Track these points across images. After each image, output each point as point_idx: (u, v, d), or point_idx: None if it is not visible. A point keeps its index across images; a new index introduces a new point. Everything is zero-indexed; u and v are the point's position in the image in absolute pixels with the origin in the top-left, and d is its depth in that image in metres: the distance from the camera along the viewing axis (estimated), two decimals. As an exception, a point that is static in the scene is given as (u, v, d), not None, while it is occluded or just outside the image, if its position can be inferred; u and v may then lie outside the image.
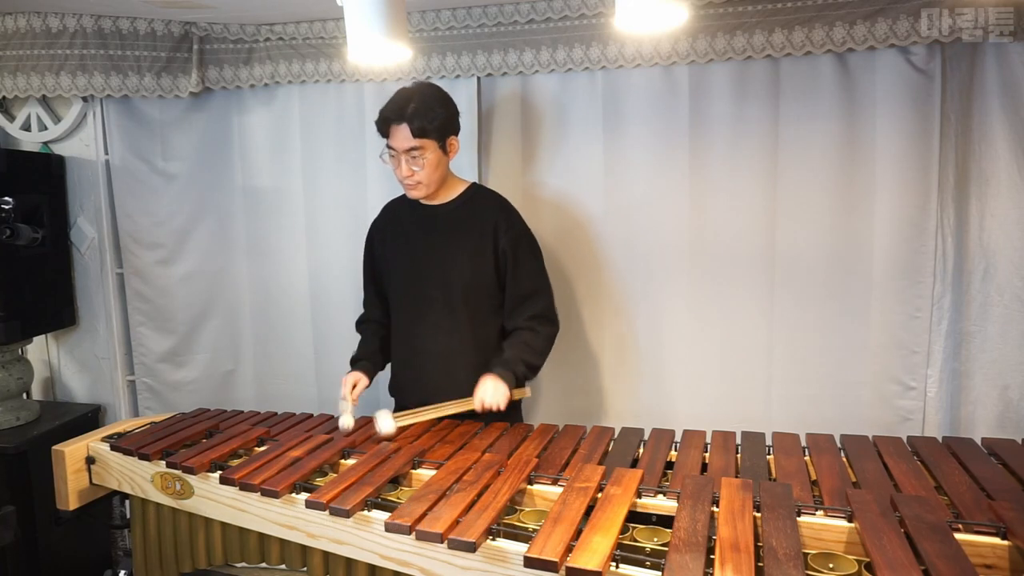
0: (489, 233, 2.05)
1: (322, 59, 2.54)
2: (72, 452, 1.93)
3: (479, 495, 1.48)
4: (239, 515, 1.68)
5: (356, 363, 2.16)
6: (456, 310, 2.06)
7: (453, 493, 1.49)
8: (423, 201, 2.12)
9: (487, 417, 2.01)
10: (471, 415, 2.00)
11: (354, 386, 2.06)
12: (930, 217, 2.17)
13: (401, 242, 2.15)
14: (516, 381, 1.98)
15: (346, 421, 1.93)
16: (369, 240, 2.26)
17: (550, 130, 2.46)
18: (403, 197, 2.20)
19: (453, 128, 2.04)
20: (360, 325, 2.28)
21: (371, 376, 2.13)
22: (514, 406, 2.06)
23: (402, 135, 1.95)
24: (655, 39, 2.23)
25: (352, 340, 2.27)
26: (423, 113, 1.94)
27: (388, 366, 2.26)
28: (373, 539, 1.47)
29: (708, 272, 2.37)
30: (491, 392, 1.93)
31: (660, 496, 1.47)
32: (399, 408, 2.23)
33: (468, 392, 1.97)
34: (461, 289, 2.05)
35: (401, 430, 1.91)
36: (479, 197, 2.13)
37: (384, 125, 1.99)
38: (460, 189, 2.12)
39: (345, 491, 1.53)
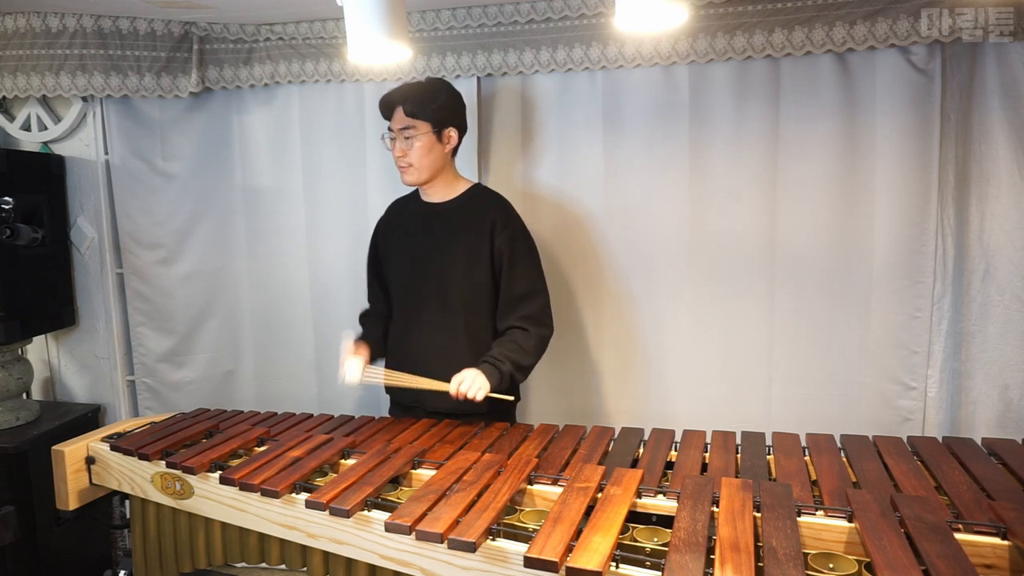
0: (486, 232, 2.03)
1: (322, 59, 2.54)
2: (72, 452, 1.93)
3: (479, 495, 1.48)
4: (239, 515, 1.68)
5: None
6: (452, 309, 2.06)
7: (453, 493, 1.49)
8: (425, 199, 2.14)
9: (487, 417, 2.01)
10: (473, 415, 2.00)
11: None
12: (930, 217, 2.17)
13: (402, 239, 2.16)
14: (501, 378, 1.93)
15: (352, 376, 2.02)
16: (374, 238, 2.27)
17: (550, 130, 2.46)
18: (408, 196, 2.21)
19: (453, 119, 2.05)
20: (363, 318, 2.28)
21: (371, 355, 2.13)
22: (506, 409, 2.04)
23: (397, 114, 2.02)
24: (655, 39, 2.23)
25: (353, 340, 2.26)
26: (421, 96, 2.01)
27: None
28: (373, 539, 1.47)
29: (708, 272, 2.37)
30: (468, 380, 1.89)
31: (660, 496, 1.47)
32: (394, 404, 2.24)
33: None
34: (457, 287, 2.05)
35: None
36: (479, 196, 2.13)
37: (386, 107, 2.06)
38: (463, 188, 2.13)
39: (345, 491, 1.53)
